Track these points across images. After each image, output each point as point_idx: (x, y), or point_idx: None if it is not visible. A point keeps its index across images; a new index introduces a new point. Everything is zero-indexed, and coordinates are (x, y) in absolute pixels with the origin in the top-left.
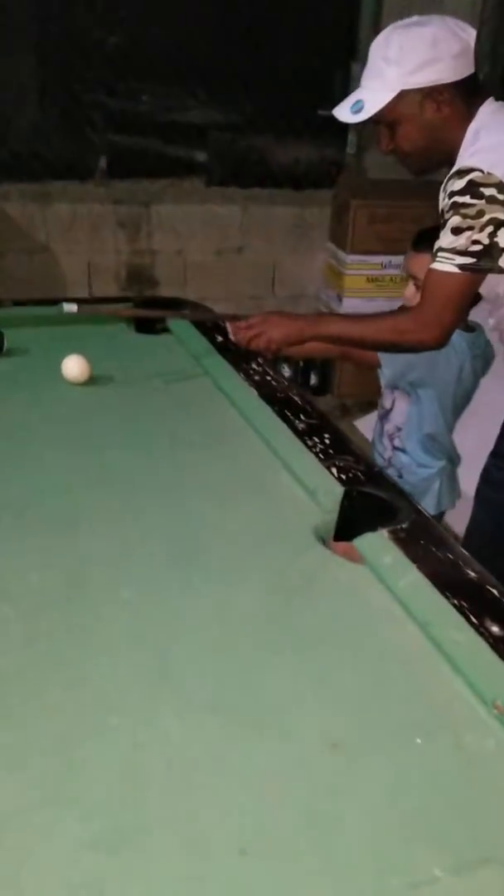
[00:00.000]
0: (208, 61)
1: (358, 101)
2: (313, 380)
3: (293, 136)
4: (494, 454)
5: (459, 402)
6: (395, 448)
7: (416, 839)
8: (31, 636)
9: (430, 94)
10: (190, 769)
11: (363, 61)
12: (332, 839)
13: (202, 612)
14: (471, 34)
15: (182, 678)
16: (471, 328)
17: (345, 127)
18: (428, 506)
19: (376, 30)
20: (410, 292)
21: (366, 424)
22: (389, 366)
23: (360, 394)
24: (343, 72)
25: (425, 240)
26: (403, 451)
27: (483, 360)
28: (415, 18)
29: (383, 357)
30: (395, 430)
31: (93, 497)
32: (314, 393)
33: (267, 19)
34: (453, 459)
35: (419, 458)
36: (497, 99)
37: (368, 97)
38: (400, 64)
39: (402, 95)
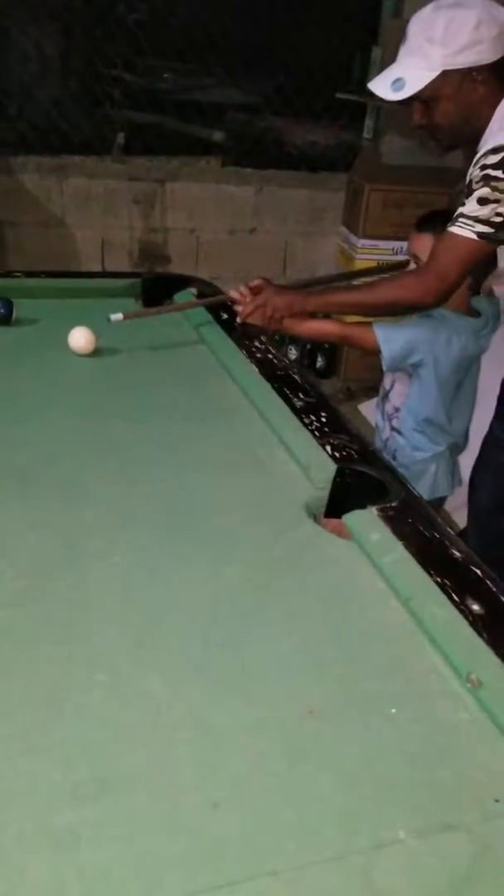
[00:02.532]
0: (229, 41)
1: (399, 79)
2: (320, 362)
3: (311, 119)
4: (498, 418)
5: (462, 382)
6: (392, 429)
7: (384, 803)
8: (26, 593)
9: (469, 74)
10: (171, 727)
11: (385, 46)
12: (301, 800)
13: (192, 580)
14: None
15: (169, 641)
16: (476, 313)
17: (362, 111)
18: (422, 490)
19: (398, 14)
20: None
21: (369, 408)
22: (389, 349)
23: (365, 378)
24: (363, 55)
25: (429, 221)
26: (400, 432)
27: (489, 339)
28: None
29: (382, 340)
30: (393, 410)
31: (92, 465)
32: (320, 376)
33: (289, 1)
34: (453, 445)
35: (415, 441)
36: None
37: (410, 75)
38: (445, 45)
39: (444, 75)
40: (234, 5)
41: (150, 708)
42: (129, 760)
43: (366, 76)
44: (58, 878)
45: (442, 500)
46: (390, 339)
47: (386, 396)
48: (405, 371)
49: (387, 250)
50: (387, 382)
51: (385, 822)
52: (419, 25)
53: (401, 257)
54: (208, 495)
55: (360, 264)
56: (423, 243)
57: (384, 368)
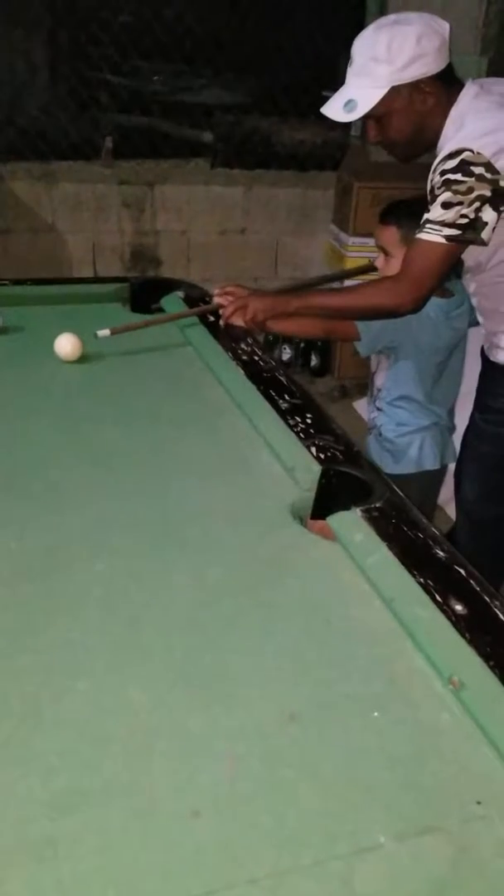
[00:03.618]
0: (215, 43)
1: (350, 101)
2: (314, 361)
3: (298, 118)
4: (478, 407)
5: (438, 363)
6: (377, 409)
7: (364, 808)
8: (6, 602)
9: (417, 86)
10: (151, 735)
11: None
12: (281, 805)
13: (174, 586)
14: (445, 28)
15: (150, 649)
16: (449, 293)
17: None
18: (407, 464)
19: (383, 12)
20: (381, 263)
21: (363, 405)
22: (365, 334)
23: (359, 375)
24: (349, 54)
25: (390, 212)
26: (382, 410)
27: (466, 320)
28: (393, 17)
29: (361, 327)
30: (377, 391)
31: (77, 471)
32: (314, 374)
33: (274, 1)
34: (440, 422)
35: (396, 417)
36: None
37: (360, 95)
38: (390, 62)
39: (393, 90)
40: (219, 6)
41: (130, 716)
42: (108, 769)
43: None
44: (36, 889)
45: (430, 474)
46: (367, 324)
47: (372, 378)
48: (384, 354)
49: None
50: (372, 365)
51: (365, 826)
52: (363, 47)
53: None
54: (193, 499)
55: (350, 262)
56: (388, 235)
57: (361, 353)
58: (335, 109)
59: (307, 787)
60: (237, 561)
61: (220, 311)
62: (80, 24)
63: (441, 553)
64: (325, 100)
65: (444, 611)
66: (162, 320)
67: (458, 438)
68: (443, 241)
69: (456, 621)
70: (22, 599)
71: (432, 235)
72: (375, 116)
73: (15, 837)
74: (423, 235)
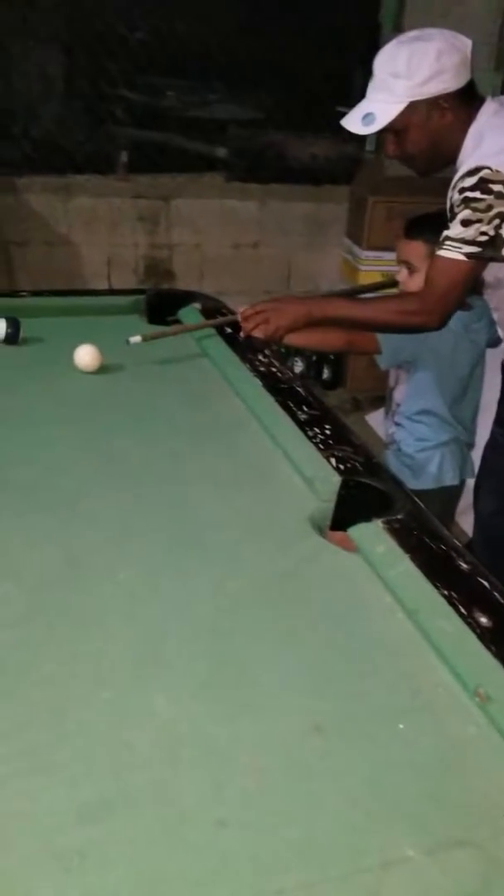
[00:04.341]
0: (230, 58)
1: (369, 114)
2: (326, 374)
3: (312, 133)
4: (498, 422)
5: (460, 378)
6: (395, 424)
7: (392, 821)
8: (30, 612)
9: (436, 102)
10: (176, 745)
11: None
12: (308, 817)
13: (196, 596)
14: (466, 44)
15: (173, 658)
16: (468, 306)
17: None
18: (427, 480)
19: (398, 28)
20: (403, 277)
21: (376, 418)
22: (387, 346)
23: (371, 388)
24: (363, 69)
25: (415, 227)
26: (401, 425)
27: (486, 334)
28: (415, 33)
29: (382, 339)
30: (396, 406)
31: (96, 481)
32: (326, 387)
33: (288, 16)
34: (460, 438)
35: (416, 432)
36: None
37: (378, 109)
38: (409, 77)
39: (411, 106)
40: (234, 22)
41: (155, 726)
42: (133, 779)
43: (366, 89)
44: None
45: (449, 490)
46: (388, 336)
47: (390, 394)
48: (404, 368)
49: (391, 261)
50: (391, 380)
51: (393, 839)
52: (383, 62)
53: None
54: (212, 510)
55: (364, 275)
56: (414, 250)
57: (381, 366)
58: (354, 122)
59: (333, 800)
60: (258, 572)
61: (241, 325)
62: (97, 39)
63: (464, 565)
64: (339, 114)
65: (468, 623)
66: (191, 328)
67: (476, 454)
68: (463, 258)
69: (481, 633)
70: (45, 609)
71: (453, 253)
72: (394, 130)
73: (41, 847)
74: (443, 253)
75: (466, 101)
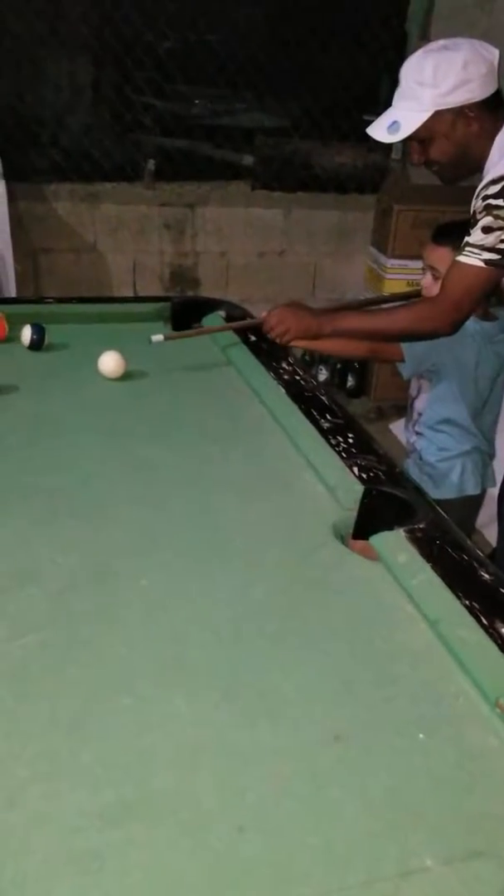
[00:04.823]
0: (257, 66)
1: (395, 122)
2: (350, 382)
3: (339, 141)
4: None
5: (482, 388)
6: (417, 433)
7: (411, 830)
8: (53, 616)
9: (461, 112)
10: (196, 750)
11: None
12: (328, 825)
13: (218, 602)
14: (494, 54)
15: (195, 664)
16: (492, 317)
17: None
18: (448, 489)
19: (425, 37)
20: (428, 282)
21: (400, 428)
22: (410, 354)
23: (395, 397)
24: (390, 77)
25: (444, 233)
26: (423, 434)
27: None
28: (442, 42)
29: (405, 347)
30: (417, 416)
31: (120, 486)
32: (350, 395)
33: (316, 25)
34: (481, 447)
35: (438, 441)
36: None
37: (404, 117)
38: (435, 86)
39: (437, 114)
40: (262, 31)
41: (176, 731)
42: (154, 784)
43: (392, 98)
44: None
45: (471, 499)
46: (411, 345)
47: (412, 403)
48: (426, 378)
49: (416, 270)
50: (413, 390)
51: (412, 848)
52: (410, 71)
53: (416, 287)
54: (235, 516)
55: (389, 284)
56: (441, 255)
57: (404, 375)
58: (380, 130)
59: (353, 808)
60: (280, 579)
61: (264, 329)
62: (124, 48)
63: (486, 575)
64: (366, 123)
65: (490, 634)
66: (213, 330)
67: (496, 462)
68: (481, 264)
69: (502, 644)
70: (68, 613)
71: (471, 259)
72: (419, 139)
73: (62, 849)
74: (462, 258)
75: (493, 110)
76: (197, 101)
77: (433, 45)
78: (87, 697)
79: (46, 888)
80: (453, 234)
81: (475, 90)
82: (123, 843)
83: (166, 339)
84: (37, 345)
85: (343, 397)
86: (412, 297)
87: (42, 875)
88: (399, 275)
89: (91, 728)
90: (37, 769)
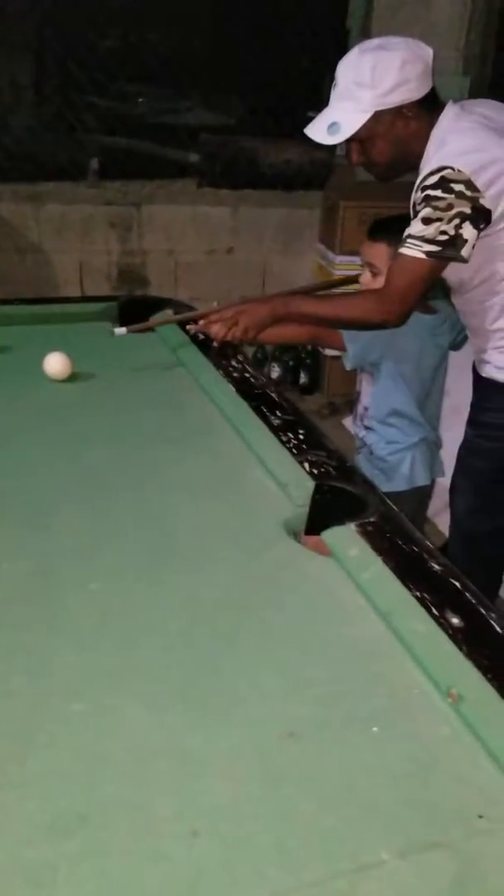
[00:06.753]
0: (200, 64)
1: (334, 123)
2: (303, 378)
3: (284, 138)
4: (471, 423)
5: (425, 378)
6: (366, 428)
7: (366, 825)
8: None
9: (399, 111)
10: (149, 755)
11: None
12: (283, 824)
13: (169, 604)
14: (429, 53)
15: (147, 668)
16: (432, 311)
17: None
18: (400, 481)
19: (365, 32)
20: (367, 279)
21: (352, 424)
22: (352, 347)
23: (348, 393)
24: (333, 74)
25: (379, 229)
26: (371, 429)
27: (449, 336)
28: (377, 41)
29: (347, 339)
30: (363, 410)
31: (68, 490)
32: (303, 392)
33: (257, 23)
34: (429, 437)
35: (387, 435)
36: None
37: (344, 118)
38: (374, 87)
39: (376, 115)
40: (204, 29)
41: (128, 736)
42: (107, 791)
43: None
44: None
45: (421, 490)
46: (354, 338)
47: (358, 398)
48: (368, 371)
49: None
50: (358, 385)
51: (367, 843)
52: (347, 70)
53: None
54: (187, 517)
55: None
56: (377, 251)
57: (347, 366)
58: (319, 132)
59: (307, 805)
60: (232, 578)
61: (212, 334)
62: (66, 47)
63: (436, 566)
64: (310, 120)
65: (440, 624)
66: (174, 320)
67: (445, 453)
68: (423, 256)
69: (453, 634)
70: (15, 621)
71: (413, 251)
72: (359, 139)
73: (12, 862)
74: (404, 250)
75: (429, 108)
76: (140, 100)
77: (369, 43)
78: (36, 705)
79: None
80: (388, 229)
81: (413, 90)
82: (76, 853)
83: (129, 331)
84: None
85: (296, 394)
86: (347, 283)
87: None
88: (347, 271)
89: (40, 736)
90: None
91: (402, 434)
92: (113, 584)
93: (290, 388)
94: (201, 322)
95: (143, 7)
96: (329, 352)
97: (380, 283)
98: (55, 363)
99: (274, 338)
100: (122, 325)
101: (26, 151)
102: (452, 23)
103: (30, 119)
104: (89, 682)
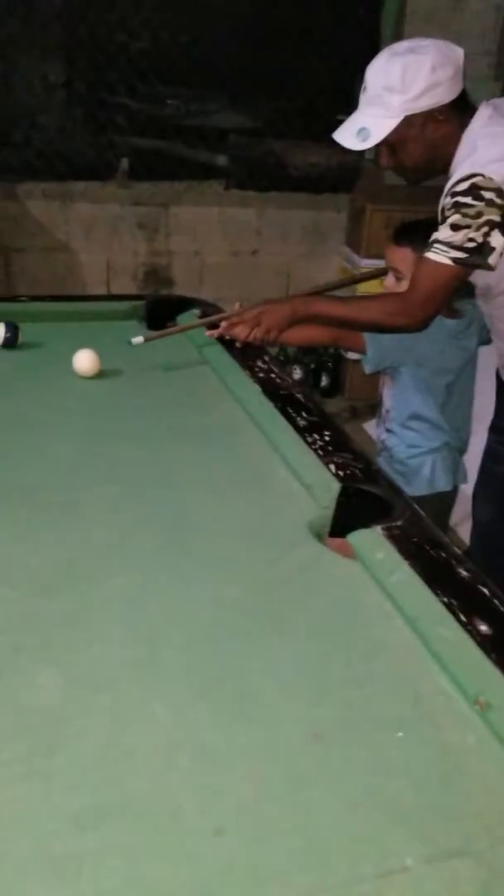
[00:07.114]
0: (231, 66)
1: (363, 129)
2: (324, 381)
3: (312, 141)
4: (493, 429)
5: (448, 383)
6: (386, 430)
7: (390, 829)
8: (27, 617)
9: (430, 115)
10: (173, 751)
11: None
12: (307, 825)
13: (194, 602)
14: (459, 54)
15: (172, 664)
16: (458, 315)
17: None
18: (420, 486)
19: (398, 37)
20: (390, 283)
21: (374, 427)
22: (372, 349)
23: (370, 396)
24: (363, 79)
25: (404, 234)
26: (392, 431)
27: (477, 336)
28: (407, 44)
29: (368, 340)
30: (386, 412)
31: (95, 486)
32: (324, 395)
33: (289, 25)
34: (452, 442)
35: (407, 438)
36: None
37: (373, 124)
38: (404, 92)
39: (406, 120)
40: (235, 31)
41: (153, 732)
42: (131, 786)
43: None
44: None
45: (442, 496)
46: (375, 339)
47: (381, 401)
48: (388, 374)
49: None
50: (380, 387)
51: (392, 848)
52: (377, 75)
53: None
54: (211, 516)
55: (363, 284)
56: (402, 256)
57: (367, 369)
58: (348, 137)
59: (332, 808)
60: (256, 578)
61: (233, 336)
62: (98, 47)
63: (464, 572)
64: (339, 123)
65: (468, 630)
66: (191, 327)
67: (470, 460)
68: (450, 262)
69: (481, 641)
70: (42, 614)
71: (439, 256)
72: (388, 143)
73: (38, 854)
74: (430, 255)
75: (460, 110)
76: (170, 101)
77: (398, 46)
78: (62, 699)
79: (21, 893)
80: (413, 234)
81: (443, 93)
82: (100, 846)
83: (146, 340)
84: (10, 343)
85: (317, 397)
86: (375, 277)
87: (16, 880)
88: None
89: (66, 730)
90: (10, 772)
91: (423, 438)
92: (138, 579)
93: (312, 390)
94: (223, 325)
95: (175, 10)
96: (351, 355)
97: (403, 287)
98: (84, 360)
99: (295, 339)
100: (148, 324)
101: (56, 151)
102: (485, 27)
103: (60, 119)
104: (115, 677)
